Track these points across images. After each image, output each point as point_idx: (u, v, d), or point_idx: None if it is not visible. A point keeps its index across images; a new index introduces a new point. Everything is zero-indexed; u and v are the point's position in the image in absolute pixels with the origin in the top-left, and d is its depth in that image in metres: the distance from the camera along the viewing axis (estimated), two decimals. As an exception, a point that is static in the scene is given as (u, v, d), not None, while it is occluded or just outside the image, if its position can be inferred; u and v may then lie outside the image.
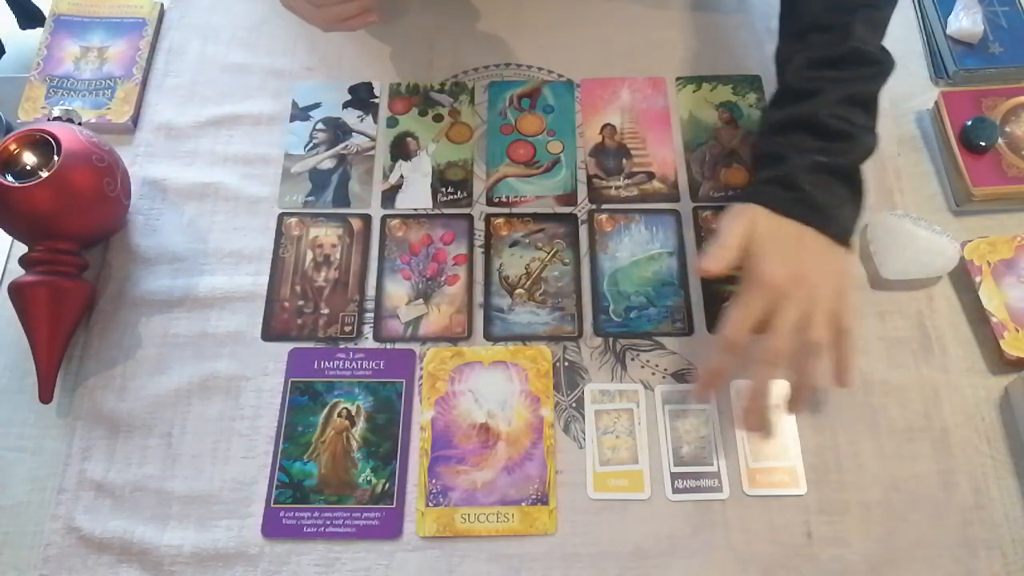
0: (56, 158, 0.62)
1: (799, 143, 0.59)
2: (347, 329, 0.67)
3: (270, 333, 0.67)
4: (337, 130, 0.76)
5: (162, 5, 0.82)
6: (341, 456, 0.62)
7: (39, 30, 0.83)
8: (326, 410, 0.64)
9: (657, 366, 0.65)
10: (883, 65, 0.62)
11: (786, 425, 0.63)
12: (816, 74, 0.61)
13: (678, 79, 0.78)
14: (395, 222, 0.71)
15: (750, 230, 0.57)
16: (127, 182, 0.69)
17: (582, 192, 0.73)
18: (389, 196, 0.73)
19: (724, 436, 0.62)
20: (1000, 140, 0.72)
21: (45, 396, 0.63)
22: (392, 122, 0.76)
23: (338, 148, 0.75)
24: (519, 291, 0.68)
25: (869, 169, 0.72)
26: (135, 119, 0.76)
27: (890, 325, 0.67)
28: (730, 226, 0.58)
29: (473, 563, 0.59)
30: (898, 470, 0.61)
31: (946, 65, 0.78)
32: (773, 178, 0.59)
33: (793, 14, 0.67)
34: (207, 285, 0.68)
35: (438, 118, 0.76)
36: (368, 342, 0.66)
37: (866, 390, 0.64)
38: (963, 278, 0.68)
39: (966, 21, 0.78)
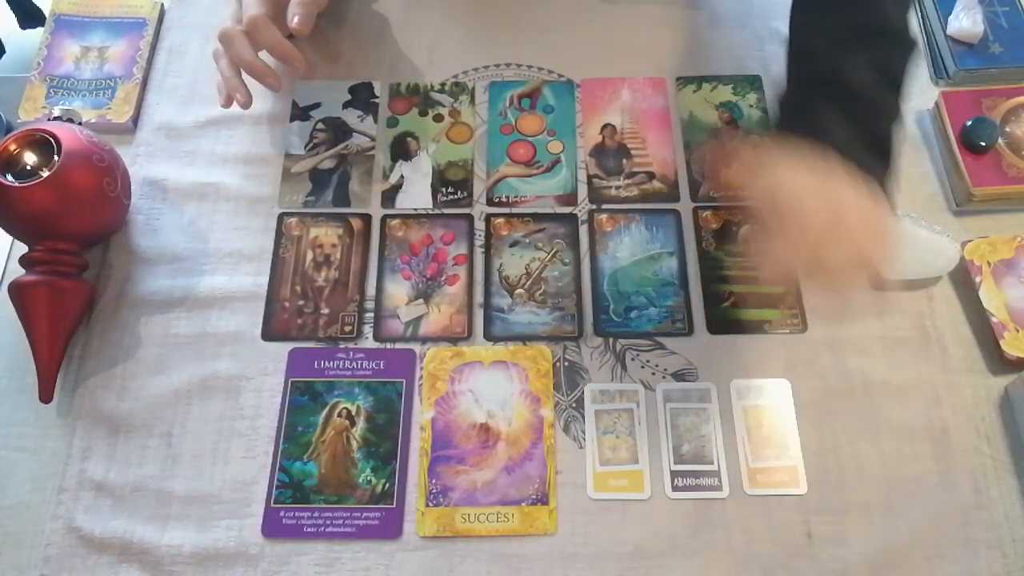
0: (56, 158, 0.62)
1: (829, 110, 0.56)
2: (347, 329, 0.67)
3: (270, 333, 0.67)
4: (337, 130, 0.76)
5: (162, 5, 0.82)
6: (341, 456, 0.62)
7: (39, 30, 0.83)
8: (326, 410, 0.64)
9: (657, 366, 0.65)
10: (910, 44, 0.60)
11: (786, 425, 0.63)
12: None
13: (678, 79, 0.78)
14: (395, 222, 0.71)
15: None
16: (127, 182, 0.69)
17: (582, 192, 0.73)
18: (389, 196, 0.73)
19: (724, 435, 0.62)
20: (1000, 140, 0.72)
21: (45, 396, 0.63)
22: (392, 122, 0.76)
23: (338, 148, 0.75)
24: (519, 291, 0.68)
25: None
26: (135, 119, 0.76)
27: (890, 325, 0.67)
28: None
29: (473, 563, 0.59)
30: (898, 470, 0.61)
31: (946, 65, 0.78)
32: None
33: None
34: (207, 285, 0.68)
35: (438, 118, 0.76)
36: (368, 342, 0.66)
37: (866, 390, 0.64)
38: (963, 278, 0.68)
39: (966, 21, 0.78)
